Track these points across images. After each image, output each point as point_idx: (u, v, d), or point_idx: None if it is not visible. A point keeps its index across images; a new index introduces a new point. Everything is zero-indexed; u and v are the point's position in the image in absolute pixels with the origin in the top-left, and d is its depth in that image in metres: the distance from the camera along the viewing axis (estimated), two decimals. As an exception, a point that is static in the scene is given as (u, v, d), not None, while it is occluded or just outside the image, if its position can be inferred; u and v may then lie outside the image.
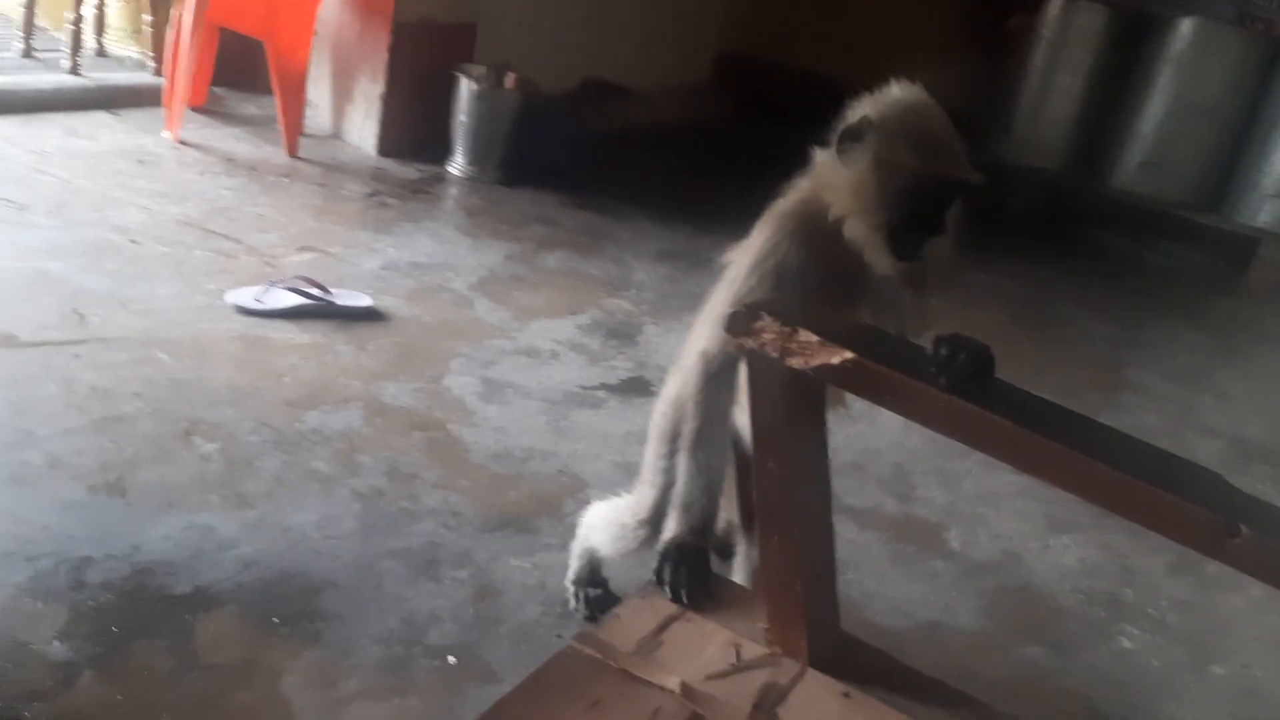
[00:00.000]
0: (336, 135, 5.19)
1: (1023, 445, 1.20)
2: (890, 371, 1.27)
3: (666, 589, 1.59)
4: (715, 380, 1.70)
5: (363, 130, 5.11)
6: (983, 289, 5.18)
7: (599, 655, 1.42)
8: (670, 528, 1.74)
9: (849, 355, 1.30)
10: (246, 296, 3.33)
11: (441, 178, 5.06)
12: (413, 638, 2.18)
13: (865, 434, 3.42)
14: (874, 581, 2.70)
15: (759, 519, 1.48)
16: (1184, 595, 2.91)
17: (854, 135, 1.59)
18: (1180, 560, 3.02)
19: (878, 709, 1.41)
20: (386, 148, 5.07)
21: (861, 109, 1.62)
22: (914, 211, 1.56)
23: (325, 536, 2.41)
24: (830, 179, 1.63)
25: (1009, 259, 5.63)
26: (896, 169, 1.55)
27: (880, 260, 1.60)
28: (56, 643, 1.96)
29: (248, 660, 2.03)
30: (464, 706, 2.00)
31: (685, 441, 1.73)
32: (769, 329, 1.33)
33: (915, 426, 3.65)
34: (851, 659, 1.49)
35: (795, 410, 1.40)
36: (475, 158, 5.08)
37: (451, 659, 2.14)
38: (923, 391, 1.25)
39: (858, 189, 1.58)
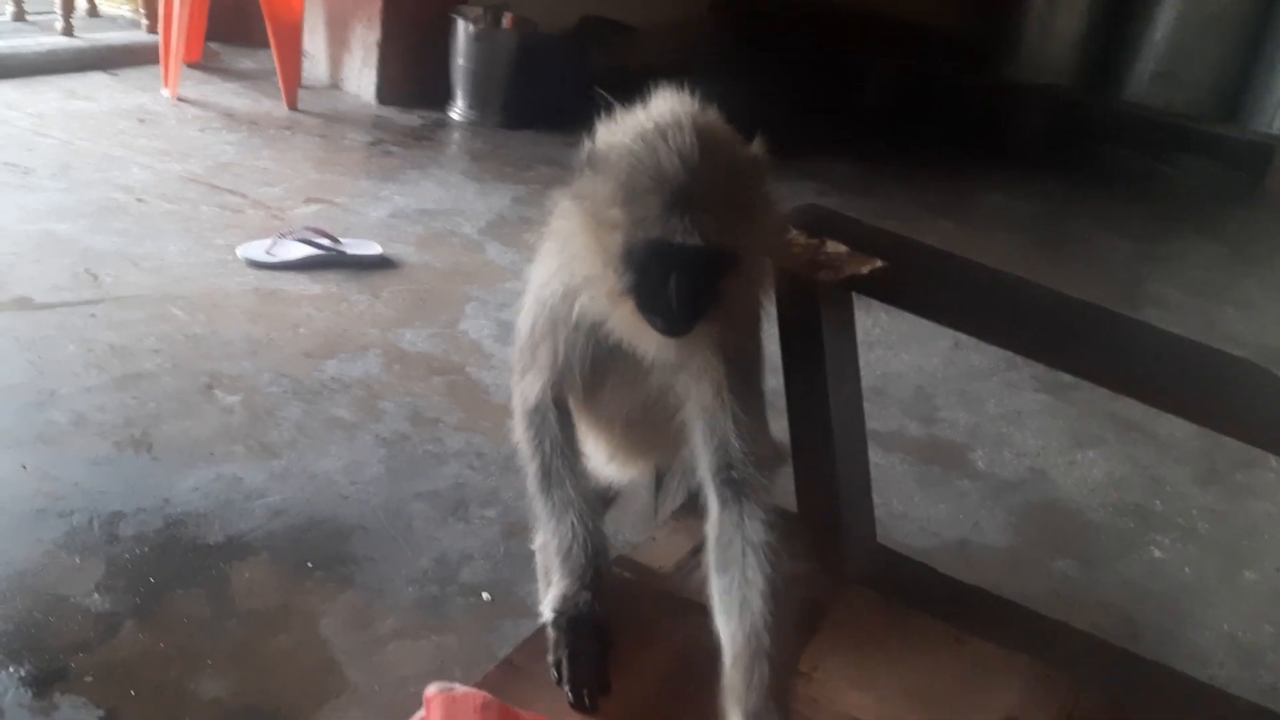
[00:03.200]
0: (335, 85, 5.13)
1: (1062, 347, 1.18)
2: (922, 276, 1.25)
3: (566, 688, 1.24)
4: (536, 413, 1.42)
5: (361, 79, 5.04)
6: (996, 211, 5.13)
7: (635, 578, 1.42)
8: (555, 587, 1.36)
9: (879, 264, 1.28)
10: (257, 250, 3.31)
11: (443, 123, 5.00)
12: (446, 577, 2.19)
13: (885, 359, 3.40)
14: (901, 503, 2.70)
15: (791, 436, 1.46)
16: (1213, 504, 2.90)
17: (577, 177, 1.26)
18: (1209, 470, 3.01)
19: (919, 619, 1.40)
20: (386, 95, 5.01)
21: (602, 133, 1.27)
22: (645, 281, 1.19)
23: (352, 482, 2.42)
24: (562, 238, 1.31)
25: (1022, 179, 5.57)
26: (606, 223, 1.21)
27: (639, 339, 1.26)
28: (96, 595, 1.98)
29: (284, 605, 2.04)
30: (500, 641, 2.01)
31: (532, 487, 1.43)
32: (797, 242, 1.30)
33: (935, 350, 3.64)
34: (890, 572, 1.49)
35: (826, 324, 1.38)
36: (476, 101, 5.01)
37: (486, 595, 2.15)
38: (956, 295, 1.22)
39: (584, 251, 1.25)
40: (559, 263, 1.32)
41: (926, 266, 1.31)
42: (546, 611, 1.33)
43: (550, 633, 1.30)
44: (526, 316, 1.40)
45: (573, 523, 1.37)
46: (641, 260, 1.18)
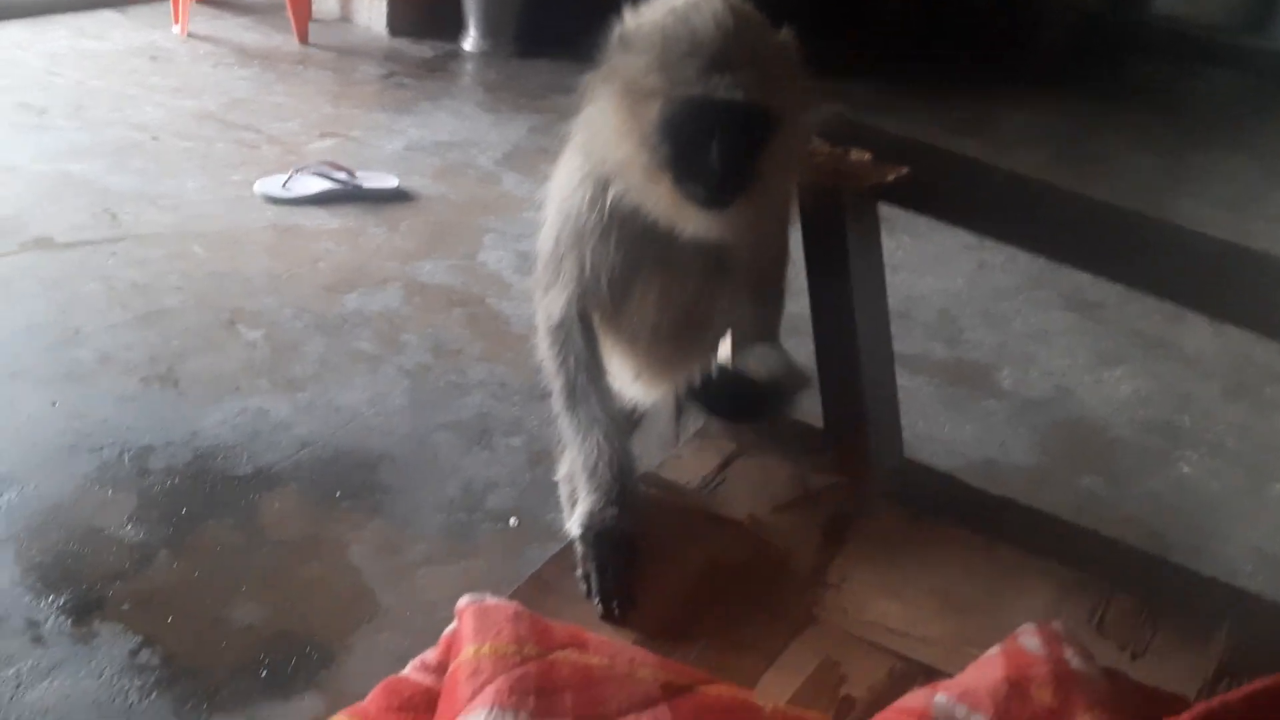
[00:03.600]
0: (345, 18, 5.06)
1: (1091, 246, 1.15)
2: (948, 183, 1.22)
3: (595, 601, 1.25)
4: (560, 329, 1.41)
5: (371, 11, 4.97)
6: (1020, 128, 5.04)
7: (663, 494, 1.42)
8: (581, 504, 1.36)
9: (903, 171, 1.25)
10: (274, 185, 3.30)
11: (456, 54, 4.93)
12: (472, 504, 2.20)
13: (909, 282, 3.36)
14: (926, 425, 2.69)
15: (817, 350, 1.45)
16: (1241, 419, 2.87)
17: (608, 59, 1.25)
18: (1236, 384, 2.98)
19: (948, 530, 1.40)
20: (397, 27, 4.94)
21: (631, 17, 1.26)
22: (685, 149, 1.18)
23: (377, 413, 2.43)
24: (592, 128, 1.29)
25: (1045, 95, 5.46)
26: (642, 94, 1.19)
27: (678, 217, 1.24)
28: (129, 526, 2.00)
29: (314, 534, 2.07)
30: (527, 566, 2.00)
31: (558, 405, 1.42)
32: (820, 151, 1.28)
33: (959, 271, 3.60)
34: (918, 484, 1.49)
35: (851, 238, 1.36)
36: (489, 30, 4.94)
37: (513, 521, 2.17)
38: (982, 201, 1.20)
39: (616, 133, 1.23)
40: (585, 167, 1.31)
41: (951, 173, 1.28)
42: (574, 527, 1.34)
43: (578, 547, 1.31)
44: (549, 231, 1.38)
45: (599, 440, 1.36)
46: (681, 124, 1.18)
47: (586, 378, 1.40)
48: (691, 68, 1.16)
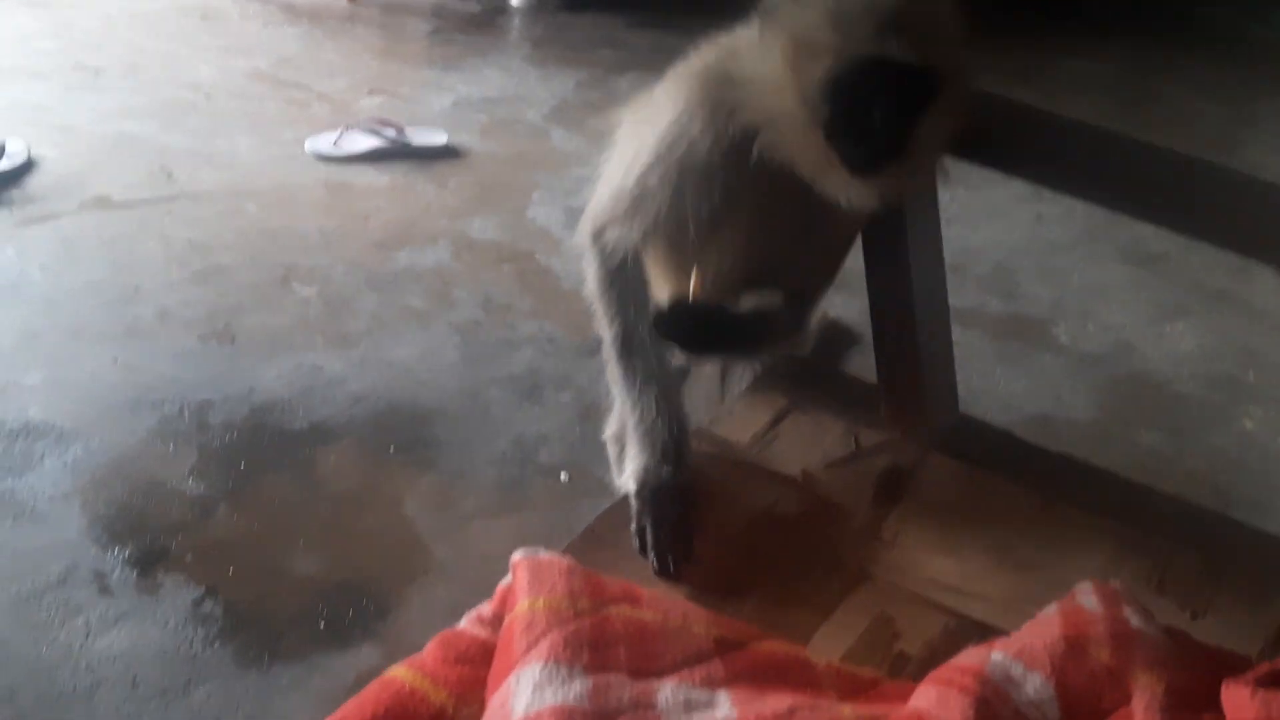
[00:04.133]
0: (394, -26, 5.03)
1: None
2: (1004, 131, 1.19)
3: (650, 557, 1.24)
4: (619, 272, 1.37)
5: (420, -34, 4.94)
6: (1078, 76, 4.90)
7: (714, 450, 1.42)
8: (634, 460, 1.34)
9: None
10: (324, 143, 3.31)
11: (503, 9, 4.89)
12: (524, 458, 2.22)
13: (962, 235, 3.30)
14: (980, 380, 2.65)
15: (871, 306, 1.43)
16: (1308, 374, 2.80)
17: (772, 13, 1.21)
18: (1304, 339, 2.90)
19: (1004, 487, 1.38)
20: (445, -18, 4.91)
21: None
22: (848, 109, 1.15)
23: (429, 369, 2.45)
24: (746, 73, 1.24)
25: (1102, 40, 5.30)
26: (811, 49, 1.15)
27: (823, 176, 1.20)
28: (190, 480, 2.05)
29: (369, 486, 2.10)
30: (579, 519, 2.01)
31: (610, 353, 1.38)
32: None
33: (1015, 224, 3.53)
34: (974, 439, 1.47)
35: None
36: (537, -16, 4.89)
37: (564, 475, 2.18)
38: (1042, 149, 1.17)
39: (775, 85, 1.19)
40: (707, 100, 1.25)
41: (1008, 121, 1.25)
42: (629, 483, 1.33)
43: (633, 503, 1.30)
44: (636, 161, 1.31)
45: (655, 396, 1.34)
46: (850, 82, 1.14)
47: (645, 328, 1.36)
48: (868, 25, 1.13)
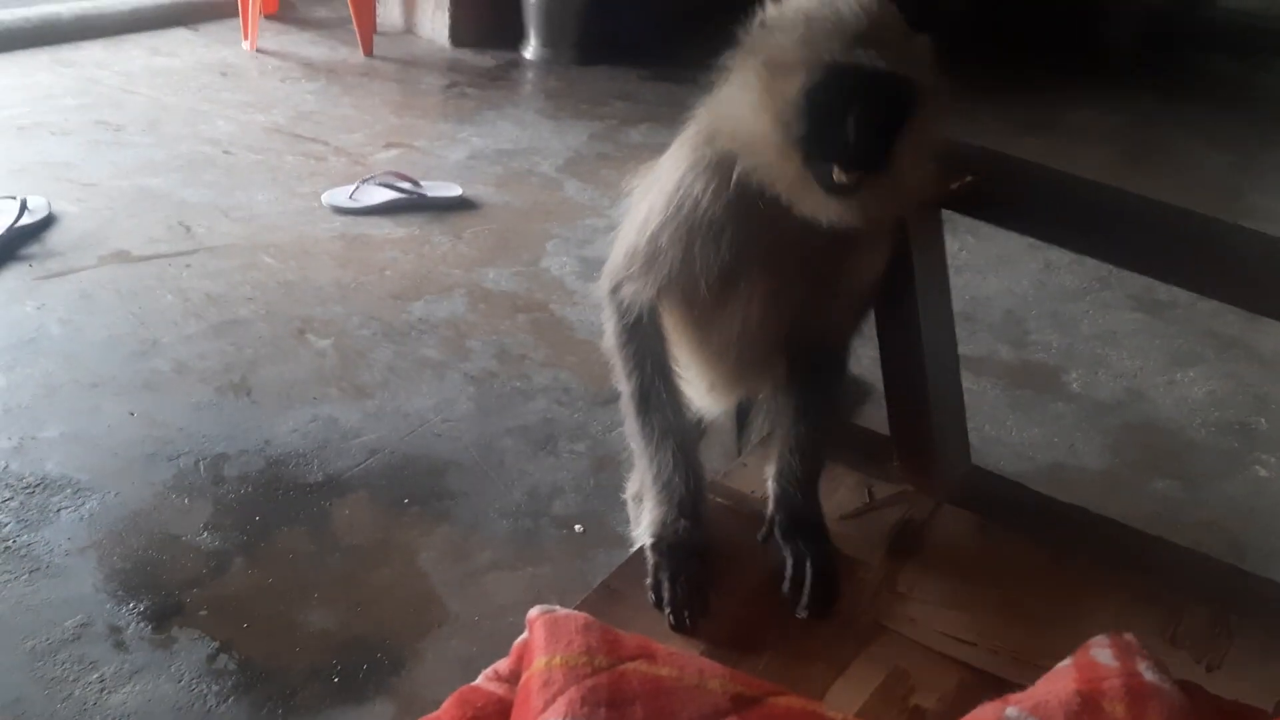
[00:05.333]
0: (409, 30, 5.13)
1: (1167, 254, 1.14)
2: (1014, 189, 1.21)
3: (666, 612, 1.24)
4: (636, 328, 1.38)
5: (434, 22, 5.04)
6: (1085, 125, 4.95)
7: (728, 503, 1.43)
8: (650, 513, 1.35)
9: (968, 179, 1.24)
10: (341, 196, 3.36)
11: (517, 63, 4.98)
12: (538, 509, 2.23)
13: (973, 283, 3.33)
14: (993, 428, 2.66)
15: (882, 357, 1.45)
16: (1321, 421, 2.80)
17: (746, 46, 1.24)
18: (1316, 386, 2.90)
19: (1016, 539, 1.39)
20: (459, 38, 5.00)
21: (772, 4, 1.26)
22: (821, 123, 1.16)
23: (443, 420, 2.46)
24: (725, 107, 1.27)
25: (1111, 92, 5.35)
26: (784, 69, 1.19)
27: (802, 197, 1.21)
28: (205, 534, 2.06)
29: (384, 540, 2.11)
30: (594, 571, 2.04)
31: (628, 407, 1.39)
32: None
33: (1025, 272, 3.55)
34: (986, 492, 1.47)
35: (914, 239, 1.35)
36: (549, 39, 4.98)
37: (578, 527, 2.19)
38: (1049, 207, 1.19)
39: (752, 109, 1.21)
40: (708, 156, 1.28)
41: (1018, 179, 1.27)
42: (645, 536, 1.34)
43: (650, 556, 1.30)
44: (648, 221, 1.33)
45: (673, 450, 1.35)
46: (821, 94, 1.16)
47: (663, 383, 1.38)
48: (837, 40, 1.16)
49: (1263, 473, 2.59)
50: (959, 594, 1.29)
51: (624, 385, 1.41)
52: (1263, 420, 2.79)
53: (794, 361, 1.42)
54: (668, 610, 1.25)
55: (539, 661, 1.02)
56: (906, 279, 1.37)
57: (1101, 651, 1.10)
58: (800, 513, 1.36)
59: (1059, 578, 1.33)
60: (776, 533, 1.36)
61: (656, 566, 1.29)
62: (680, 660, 1.08)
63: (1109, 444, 2.65)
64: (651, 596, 1.27)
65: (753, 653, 1.20)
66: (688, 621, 1.23)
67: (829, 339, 1.42)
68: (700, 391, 1.53)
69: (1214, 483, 2.54)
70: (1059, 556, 1.35)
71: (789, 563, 1.31)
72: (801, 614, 1.27)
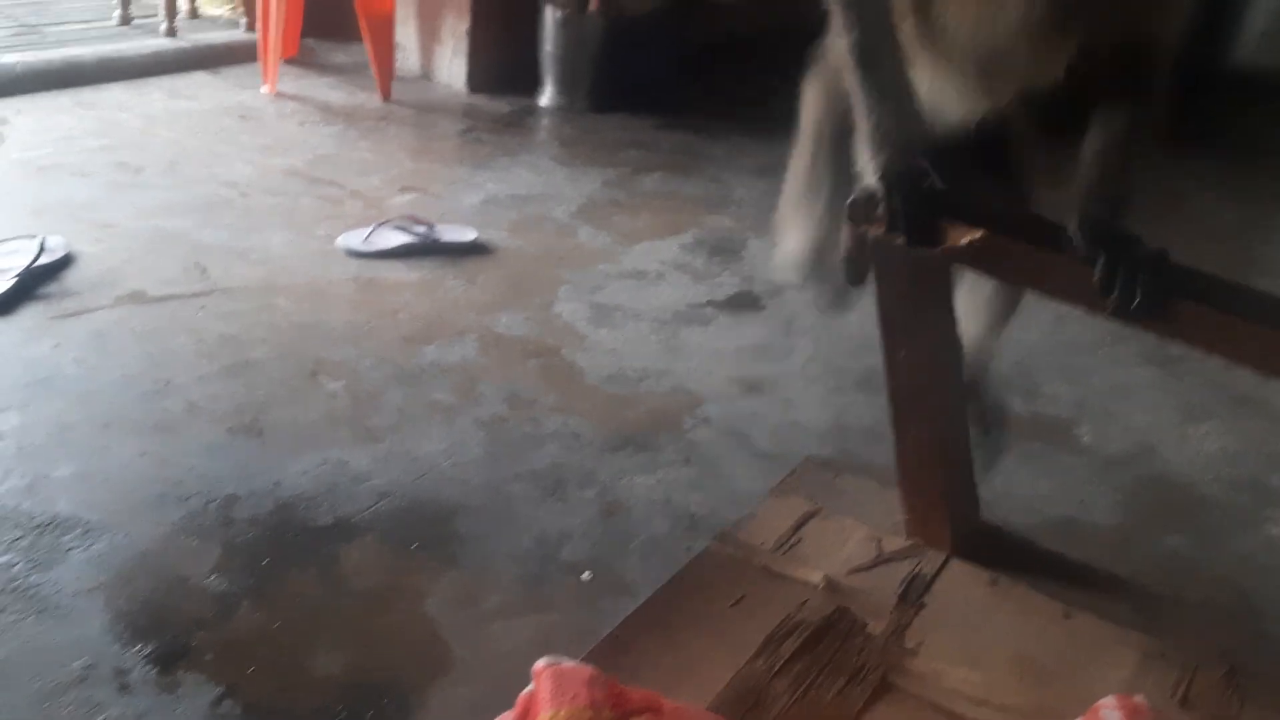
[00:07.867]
0: (426, 76, 5.21)
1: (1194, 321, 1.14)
2: (1026, 249, 1.22)
3: (901, 234, 1.19)
4: None
5: (452, 68, 5.12)
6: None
7: (739, 554, 1.43)
8: (876, 155, 1.25)
9: (978, 234, 1.25)
10: (355, 239, 3.39)
11: (532, 110, 5.04)
12: (546, 555, 2.22)
13: (983, 334, 3.33)
14: (1002, 481, 2.63)
15: (892, 411, 1.45)
16: (1334, 478, 2.78)
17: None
18: (1330, 443, 2.88)
19: (1025, 595, 1.38)
20: (476, 84, 5.07)
21: None
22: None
23: (453, 464, 2.46)
24: None
25: (1123, 146, 5.36)
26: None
27: None
28: (213, 576, 2.06)
29: (391, 584, 2.10)
30: (602, 619, 2.03)
31: (849, 61, 1.27)
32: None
33: (1036, 324, 3.55)
34: (995, 546, 1.47)
35: (924, 295, 1.36)
36: (564, 87, 5.04)
37: (586, 574, 2.17)
38: (1063, 268, 1.20)
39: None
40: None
41: (1027, 234, 1.28)
42: (871, 172, 1.27)
43: (879, 188, 1.24)
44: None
45: (895, 109, 1.27)
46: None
47: (888, 38, 1.27)
48: None
49: (1275, 530, 2.57)
50: (967, 651, 1.29)
51: (844, 39, 1.31)
52: (1275, 477, 2.77)
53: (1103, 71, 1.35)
54: (903, 229, 1.20)
55: (544, 715, 1.02)
56: (916, 333, 1.38)
57: (1111, 714, 1.09)
58: (1112, 223, 1.29)
59: (1069, 636, 1.32)
60: (1084, 241, 1.27)
61: (889, 194, 1.23)
62: (687, 714, 1.07)
63: (1120, 499, 2.63)
64: (886, 222, 1.21)
65: (759, 708, 1.19)
66: (926, 238, 1.19)
67: (1142, 47, 1.34)
68: (940, 84, 1.39)
69: (1226, 540, 2.52)
70: (1068, 613, 1.35)
71: (1099, 262, 1.23)
72: (1115, 314, 1.20)
